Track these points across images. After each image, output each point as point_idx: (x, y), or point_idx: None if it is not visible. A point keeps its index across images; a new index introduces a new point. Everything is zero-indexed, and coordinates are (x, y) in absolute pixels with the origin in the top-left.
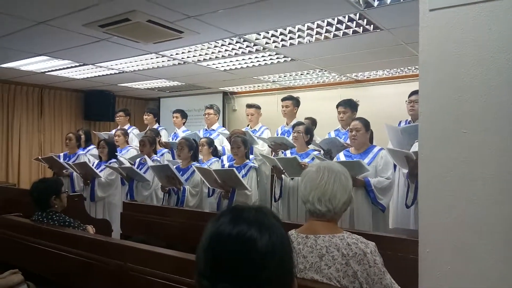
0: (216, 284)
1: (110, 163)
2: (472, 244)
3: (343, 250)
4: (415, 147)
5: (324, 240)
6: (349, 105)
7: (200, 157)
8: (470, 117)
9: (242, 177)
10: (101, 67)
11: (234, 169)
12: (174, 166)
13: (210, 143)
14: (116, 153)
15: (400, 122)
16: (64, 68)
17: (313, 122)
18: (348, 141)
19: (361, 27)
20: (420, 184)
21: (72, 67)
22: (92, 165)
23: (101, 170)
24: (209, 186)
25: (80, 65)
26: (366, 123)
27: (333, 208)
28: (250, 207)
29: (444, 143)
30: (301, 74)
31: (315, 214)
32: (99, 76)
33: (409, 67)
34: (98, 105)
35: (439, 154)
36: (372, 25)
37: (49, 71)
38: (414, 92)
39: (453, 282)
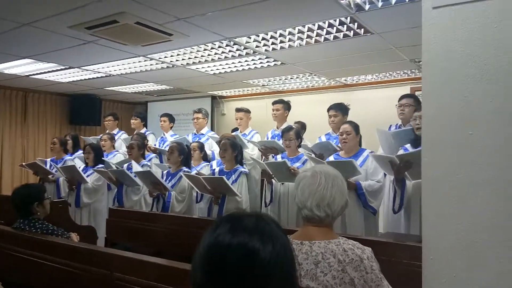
0: None
1: (97, 168)
2: (480, 250)
3: (339, 257)
4: (400, 151)
5: (319, 246)
6: (340, 109)
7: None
8: (476, 119)
9: (232, 183)
10: (87, 70)
11: (224, 177)
12: (165, 171)
13: (201, 147)
14: (102, 158)
15: (390, 126)
16: (49, 72)
17: (302, 126)
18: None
19: (352, 31)
20: (423, 188)
21: (57, 70)
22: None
23: (88, 175)
24: (198, 192)
25: (65, 68)
26: (356, 127)
27: (331, 213)
28: (249, 214)
29: (449, 146)
30: (291, 78)
31: (312, 220)
32: (85, 79)
33: (398, 72)
34: (84, 110)
35: (444, 157)
36: (362, 29)
37: (33, 75)
38: (404, 96)
39: None
